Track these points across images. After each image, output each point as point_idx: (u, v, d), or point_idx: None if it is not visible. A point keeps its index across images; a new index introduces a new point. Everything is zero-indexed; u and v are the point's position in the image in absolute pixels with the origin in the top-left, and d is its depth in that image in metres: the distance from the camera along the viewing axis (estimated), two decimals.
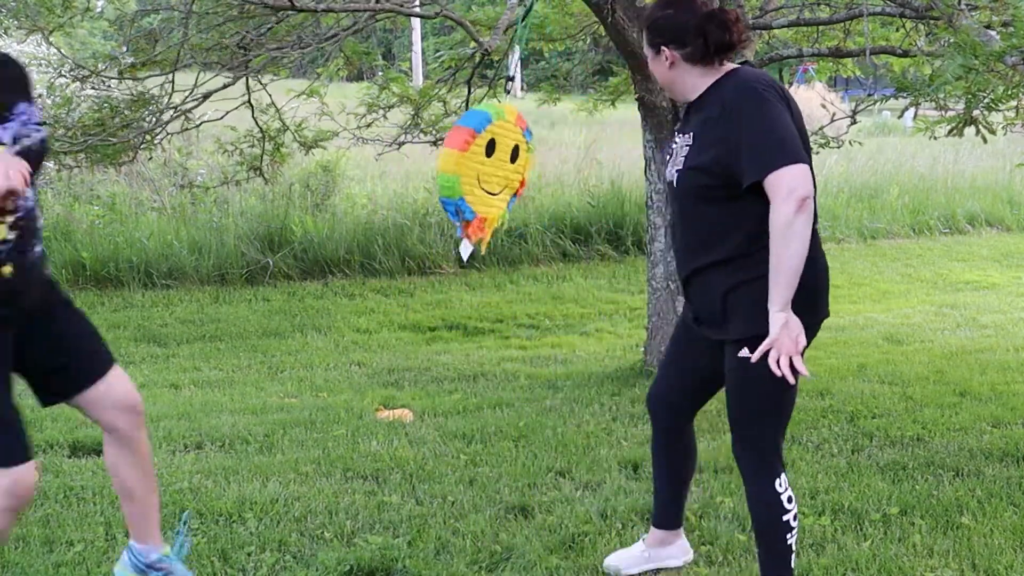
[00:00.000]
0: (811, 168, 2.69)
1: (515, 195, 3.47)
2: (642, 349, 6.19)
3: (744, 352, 2.80)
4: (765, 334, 2.67)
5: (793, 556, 2.97)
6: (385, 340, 7.23)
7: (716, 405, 5.35)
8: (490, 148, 3.49)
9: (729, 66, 2.86)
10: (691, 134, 2.85)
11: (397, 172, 12.39)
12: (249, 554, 3.55)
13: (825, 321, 2.94)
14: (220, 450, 4.73)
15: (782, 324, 2.61)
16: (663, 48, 2.85)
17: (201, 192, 9.62)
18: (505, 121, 3.45)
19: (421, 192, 10.78)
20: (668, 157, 2.98)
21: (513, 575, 3.40)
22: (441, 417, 5.24)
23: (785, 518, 2.92)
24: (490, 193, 3.39)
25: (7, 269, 2.49)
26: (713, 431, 4.93)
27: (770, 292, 2.63)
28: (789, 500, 2.93)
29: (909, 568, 3.41)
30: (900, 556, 3.49)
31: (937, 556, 3.50)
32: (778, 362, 2.64)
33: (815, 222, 2.73)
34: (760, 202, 2.68)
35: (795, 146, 2.63)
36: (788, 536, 2.93)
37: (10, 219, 2.42)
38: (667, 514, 3.41)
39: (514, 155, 3.44)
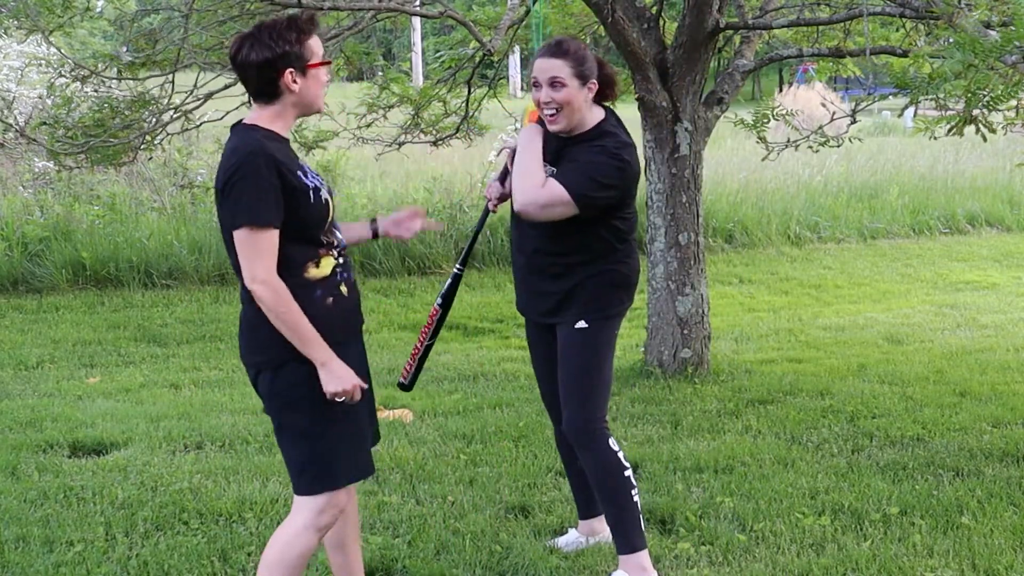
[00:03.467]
0: (627, 191, 3.22)
1: None
2: (642, 349, 6.19)
3: (582, 323, 3.23)
4: (602, 311, 3.23)
5: (641, 517, 3.24)
6: (385, 340, 7.23)
7: (716, 406, 5.36)
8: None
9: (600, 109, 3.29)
10: (551, 166, 3.22)
11: (397, 172, 12.39)
12: (249, 554, 3.55)
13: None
14: (220, 450, 4.73)
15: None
16: (592, 81, 3.19)
17: (201, 192, 9.62)
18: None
19: (421, 192, 10.78)
20: None
21: (513, 575, 3.40)
22: (441, 417, 5.24)
23: (627, 474, 3.22)
24: None
25: (344, 288, 2.78)
26: (713, 431, 4.94)
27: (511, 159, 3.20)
28: (624, 458, 3.25)
29: (909, 568, 3.41)
30: (900, 556, 3.49)
31: (937, 556, 3.50)
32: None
33: (632, 232, 3.32)
34: (608, 220, 3.20)
35: (586, 188, 3.08)
36: (633, 493, 3.23)
37: (336, 250, 2.79)
38: (591, 503, 3.59)
39: None
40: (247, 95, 2.79)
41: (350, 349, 2.81)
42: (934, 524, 3.75)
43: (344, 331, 2.79)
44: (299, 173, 2.68)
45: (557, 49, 3.16)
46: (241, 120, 2.79)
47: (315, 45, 2.69)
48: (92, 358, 6.73)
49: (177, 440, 4.83)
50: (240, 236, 2.58)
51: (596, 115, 3.24)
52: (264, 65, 2.64)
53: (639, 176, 3.28)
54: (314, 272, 2.71)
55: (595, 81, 3.19)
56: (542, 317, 3.37)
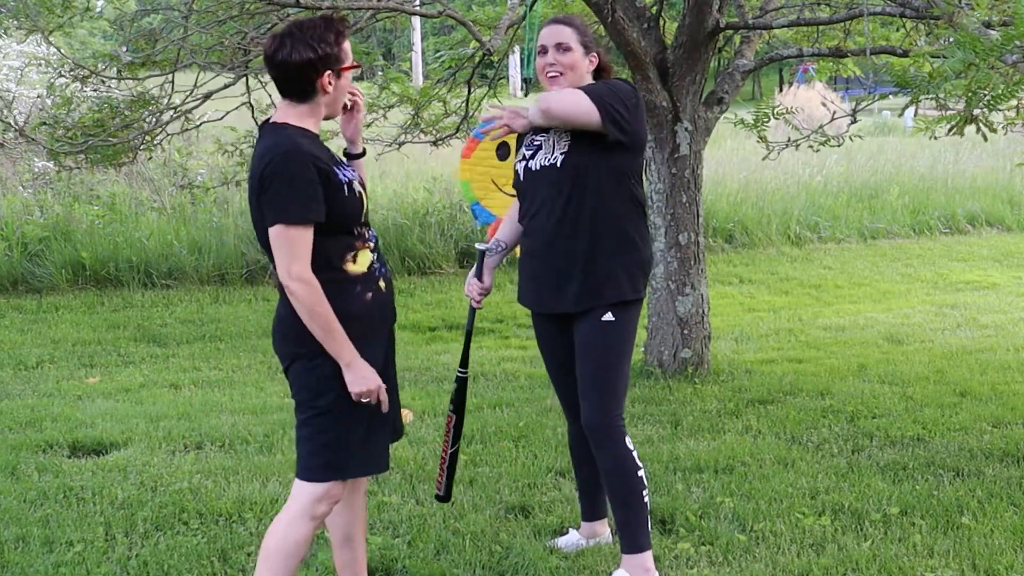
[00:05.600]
0: (640, 133, 3.18)
1: None
2: (642, 349, 6.19)
3: (608, 316, 3.16)
4: (629, 300, 3.18)
5: (649, 518, 3.25)
6: None
7: (716, 406, 5.36)
8: (503, 150, 3.54)
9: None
10: (569, 133, 3.19)
11: (397, 172, 12.38)
12: (249, 554, 3.54)
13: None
14: (220, 450, 4.73)
15: (524, 123, 3.15)
16: (593, 53, 3.29)
17: (201, 192, 9.61)
18: None
19: (421, 192, 10.78)
20: (530, 151, 3.29)
21: (513, 575, 3.40)
22: (441, 417, 5.23)
23: (640, 474, 3.23)
24: (510, 194, 3.47)
25: (382, 283, 2.82)
26: (713, 431, 4.93)
27: (536, 104, 3.10)
28: (638, 457, 3.25)
29: (909, 568, 3.41)
30: (900, 556, 3.49)
31: (937, 556, 3.49)
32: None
33: (646, 219, 3.29)
34: (633, 187, 3.20)
35: (613, 105, 3.06)
36: (644, 493, 3.23)
37: (371, 244, 2.80)
38: (595, 507, 3.60)
39: None
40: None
41: (383, 343, 2.86)
42: (934, 524, 3.75)
43: (381, 326, 2.84)
44: (335, 167, 2.72)
45: (565, 19, 3.30)
46: (269, 119, 2.81)
47: (348, 47, 2.75)
48: (92, 358, 6.73)
49: (177, 440, 4.83)
50: (274, 233, 2.61)
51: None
52: (306, 65, 2.66)
53: (646, 129, 3.25)
54: (352, 267, 2.75)
55: (596, 55, 3.29)
56: (567, 305, 3.22)
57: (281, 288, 2.73)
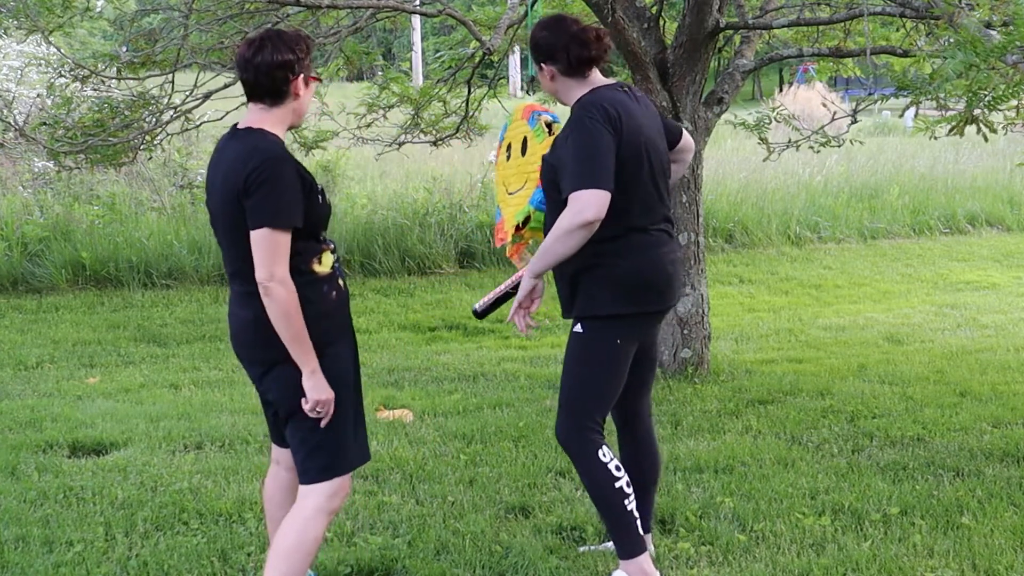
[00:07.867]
0: (644, 189, 3.10)
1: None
2: None
3: (578, 327, 3.17)
4: (600, 315, 3.11)
5: (637, 521, 3.16)
6: (385, 340, 7.23)
7: (716, 406, 5.36)
8: (509, 152, 3.54)
9: (601, 80, 3.19)
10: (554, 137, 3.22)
11: (397, 172, 12.39)
12: (249, 554, 3.55)
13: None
14: (220, 450, 4.73)
15: (530, 287, 3.17)
16: (543, 64, 3.20)
17: (201, 192, 9.60)
18: (513, 120, 3.52)
19: (421, 192, 10.78)
20: None
21: (513, 575, 3.40)
22: (441, 417, 5.24)
23: (618, 485, 3.13)
24: (510, 193, 3.48)
25: (341, 282, 2.93)
26: (713, 431, 4.94)
27: (530, 263, 3.13)
28: (617, 468, 3.15)
29: (909, 568, 3.41)
30: (900, 556, 3.49)
31: (937, 556, 3.49)
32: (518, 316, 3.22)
33: (654, 225, 3.16)
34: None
35: (598, 173, 2.96)
36: (626, 502, 3.14)
37: (331, 247, 2.92)
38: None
39: (524, 147, 3.47)
40: (248, 95, 2.85)
41: (353, 339, 2.97)
42: (934, 524, 3.75)
43: (346, 322, 2.94)
44: (308, 174, 2.83)
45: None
46: (237, 124, 2.88)
47: (310, 62, 2.89)
48: (92, 358, 6.73)
49: (177, 440, 4.83)
50: (260, 236, 2.69)
51: (577, 94, 3.15)
52: (284, 65, 2.77)
53: (625, 131, 3.04)
54: (318, 268, 2.85)
55: (547, 65, 3.17)
56: (565, 314, 3.29)
57: (247, 293, 2.81)
